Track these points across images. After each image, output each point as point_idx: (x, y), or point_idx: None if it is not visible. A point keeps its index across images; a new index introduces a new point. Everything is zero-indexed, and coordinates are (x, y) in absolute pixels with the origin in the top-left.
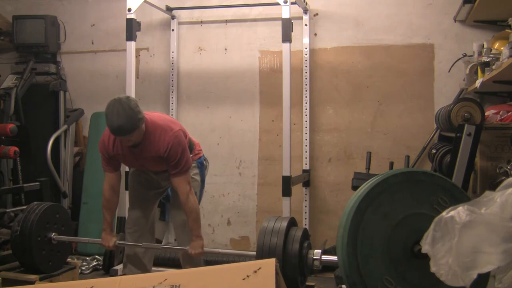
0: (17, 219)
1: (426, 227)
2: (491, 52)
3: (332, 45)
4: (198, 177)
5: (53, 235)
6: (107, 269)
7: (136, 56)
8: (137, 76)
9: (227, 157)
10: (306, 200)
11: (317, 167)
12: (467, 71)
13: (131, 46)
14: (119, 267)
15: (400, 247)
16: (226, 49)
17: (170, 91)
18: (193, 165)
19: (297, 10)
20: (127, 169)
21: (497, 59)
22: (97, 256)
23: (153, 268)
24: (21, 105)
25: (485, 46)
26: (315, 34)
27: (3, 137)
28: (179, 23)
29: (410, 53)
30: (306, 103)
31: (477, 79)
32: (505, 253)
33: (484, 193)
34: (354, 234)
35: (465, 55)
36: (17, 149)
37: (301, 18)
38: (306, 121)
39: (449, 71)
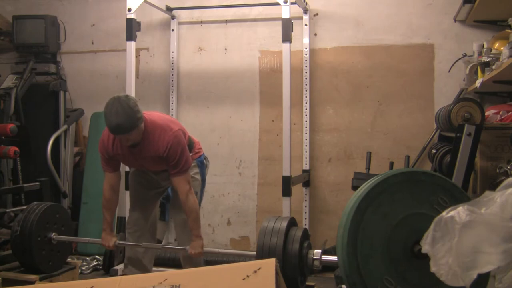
0: (17, 219)
1: (426, 227)
2: (491, 52)
3: (332, 45)
4: (198, 176)
5: (53, 235)
6: (107, 269)
7: (136, 56)
8: (137, 76)
9: (227, 157)
10: (306, 200)
11: (317, 167)
12: (467, 71)
13: (131, 46)
14: (119, 267)
15: (400, 247)
16: (226, 49)
17: (170, 91)
18: (193, 164)
19: (297, 10)
20: (127, 169)
21: (497, 59)
22: (97, 256)
23: (153, 268)
24: (21, 105)
25: (485, 46)
26: (315, 34)
27: (3, 137)
28: (179, 23)
29: (410, 53)
30: (306, 103)
31: (477, 79)
32: (505, 253)
33: (484, 193)
34: (354, 234)
35: (465, 55)
36: (17, 149)
37: (301, 18)
38: (306, 121)
39: (449, 71)
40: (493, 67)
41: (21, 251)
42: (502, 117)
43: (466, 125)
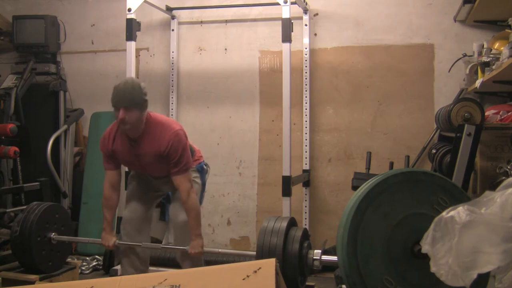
0: (17, 219)
1: (426, 227)
2: (491, 52)
3: (332, 45)
4: (198, 180)
5: (53, 235)
6: (107, 269)
7: (136, 56)
8: (137, 76)
9: (227, 157)
10: (306, 200)
11: (317, 167)
12: (467, 71)
13: (131, 46)
14: (119, 267)
15: (400, 247)
16: (226, 49)
17: (170, 91)
18: (193, 169)
19: (297, 10)
20: (127, 169)
21: (497, 59)
22: (97, 256)
23: (153, 268)
24: (21, 105)
25: (485, 46)
26: (315, 34)
27: (3, 137)
28: (179, 23)
29: (410, 53)
30: (306, 103)
31: (477, 79)
32: (505, 253)
33: (484, 193)
34: (354, 234)
35: (465, 55)
36: (17, 149)
37: (301, 18)
38: (306, 121)
39: (449, 71)
40: (493, 67)
41: (21, 251)
42: (502, 117)
43: (466, 125)
